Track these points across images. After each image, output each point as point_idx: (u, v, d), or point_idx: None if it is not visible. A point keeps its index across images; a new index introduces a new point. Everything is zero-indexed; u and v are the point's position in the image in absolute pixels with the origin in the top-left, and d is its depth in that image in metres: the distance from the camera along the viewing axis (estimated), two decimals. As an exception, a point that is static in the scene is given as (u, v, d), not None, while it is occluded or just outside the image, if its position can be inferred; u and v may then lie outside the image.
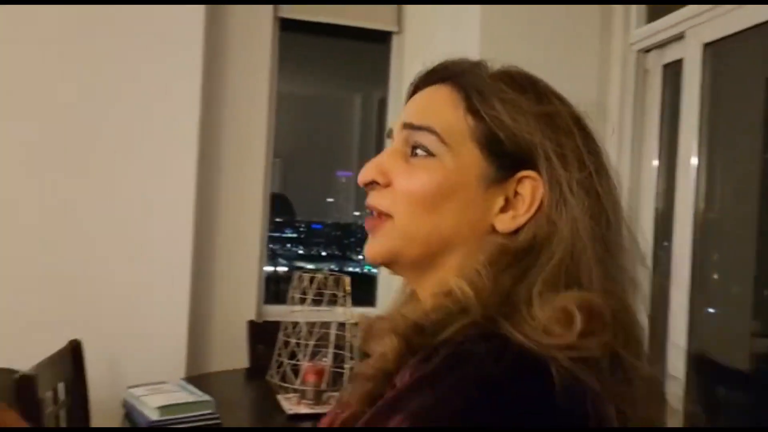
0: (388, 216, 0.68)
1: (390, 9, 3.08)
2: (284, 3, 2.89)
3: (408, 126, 0.69)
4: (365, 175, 0.70)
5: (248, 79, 2.81)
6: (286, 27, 2.96)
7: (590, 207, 0.64)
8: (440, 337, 0.58)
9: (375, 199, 0.69)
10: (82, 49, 2.43)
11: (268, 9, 2.85)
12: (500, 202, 0.66)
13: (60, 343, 2.08)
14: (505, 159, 0.66)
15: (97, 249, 2.45)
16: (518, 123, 0.65)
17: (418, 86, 0.75)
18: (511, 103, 0.66)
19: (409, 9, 3.06)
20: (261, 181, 2.88)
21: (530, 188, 0.65)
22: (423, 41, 2.94)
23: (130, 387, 1.92)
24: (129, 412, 1.88)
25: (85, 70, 2.43)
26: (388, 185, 0.69)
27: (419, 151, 0.68)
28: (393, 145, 0.71)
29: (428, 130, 0.67)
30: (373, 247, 0.69)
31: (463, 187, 0.66)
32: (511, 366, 0.53)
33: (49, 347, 2.02)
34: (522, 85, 0.69)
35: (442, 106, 0.69)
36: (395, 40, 3.13)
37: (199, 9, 2.52)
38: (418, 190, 0.66)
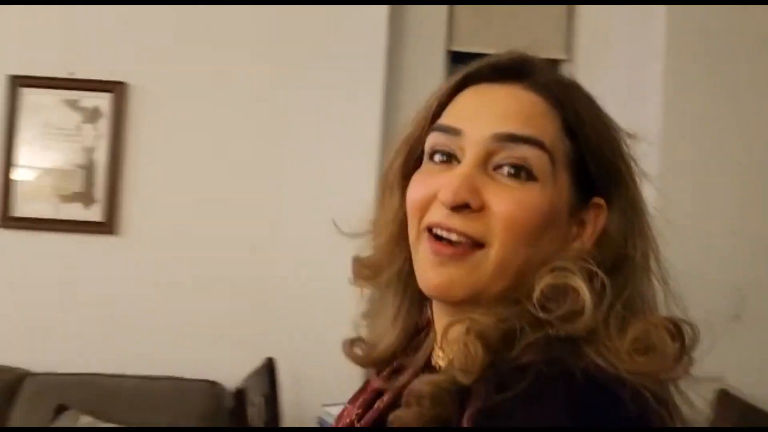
0: (479, 245, 0.59)
1: (558, 37, 3.07)
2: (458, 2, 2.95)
3: (508, 137, 0.59)
4: (460, 195, 0.58)
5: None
6: (456, 60, 3.03)
7: (653, 235, 0.63)
8: (517, 350, 0.53)
9: (466, 225, 0.59)
10: (271, 74, 2.61)
11: (440, 44, 2.94)
12: (574, 230, 0.62)
13: (252, 359, 2.24)
14: (586, 185, 0.62)
15: (287, 276, 2.59)
16: (605, 147, 0.62)
17: (472, 79, 0.65)
18: (599, 123, 0.63)
19: (580, 36, 3.03)
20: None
21: (594, 215, 0.62)
22: (596, 68, 2.89)
23: (325, 405, 2.02)
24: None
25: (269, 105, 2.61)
26: (481, 208, 0.59)
27: (510, 170, 0.59)
28: (473, 156, 0.60)
29: (540, 146, 0.59)
30: (454, 277, 0.59)
31: (557, 217, 0.61)
32: (611, 394, 0.49)
33: (244, 363, 2.19)
34: (594, 99, 0.65)
35: (541, 119, 0.61)
36: (564, 69, 3.11)
37: (380, 46, 2.64)
38: (522, 220, 0.58)
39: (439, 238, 0.60)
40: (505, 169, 0.59)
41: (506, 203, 0.58)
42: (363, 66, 2.63)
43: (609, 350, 0.52)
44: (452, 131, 0.62)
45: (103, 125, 2.45)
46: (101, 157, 2.45)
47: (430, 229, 0.61)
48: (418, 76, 2.91)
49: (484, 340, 0.54)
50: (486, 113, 0.61)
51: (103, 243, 2.47)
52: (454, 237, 0.59)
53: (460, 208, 0.59)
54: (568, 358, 0.51)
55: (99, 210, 2.45)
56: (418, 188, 0.63)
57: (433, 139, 0.64)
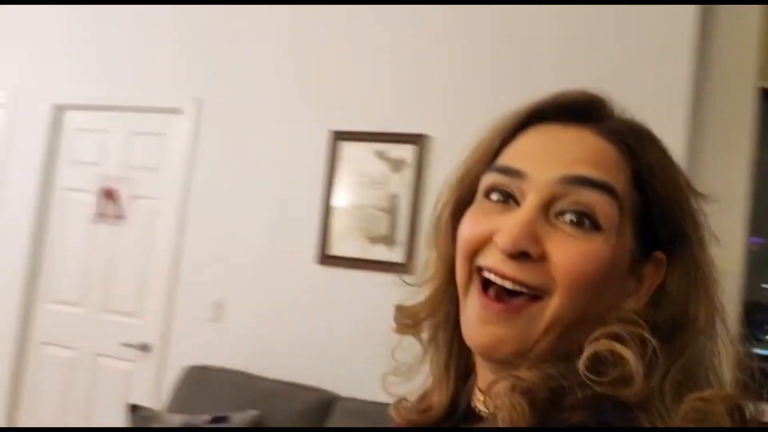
0: (537, 296, 0.56)
1: None
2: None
3: (578, 180, 0.56)
4: (520, 243, 0.55)
5: (727, 153, 2.67)
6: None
7: (719, 297, 0.58)
8: (565, 408, 0.50)
9: (523, 273, 0.55)
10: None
11: (750, 80, 2.69)
12: (632, 284, 0.58)
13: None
14: (648, 240, 0.58)
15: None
16: (674, 204, 0.58)
17: (537, 118, 0.61)
18: (670, 178, 0.59)
19: None
20: (737, 258, 2.67)
21: (653, 270, 0.58)
22: None
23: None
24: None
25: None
26: (541, 257, 0.55)
27: (573, 217, 0.55)
28: (535, 200, 0.56)
29: (611, 192, 0.56)
30: (501, 336, 0.56)
31: (618, 271, 0.57)
32: None
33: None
34: (667, 150, 0.61)
35: (612, 166, 0.57)
36: None
37: (683, 85, 2.50)
38: (584, 273, 0.55)
39: (490, 283, 0.57)
40: (568, 217, 0.56)
41: (569, 255, 0.55)
42: (665, 106, 2.51)
43: (662, 419, 0.50)
44: (515, 173, 0.58)
45: (407, 174, 2.67)
46: (404, 204, 2.67)
47: (480, 271, 0.58)
48: (723, 119, 2.69)
49: (531, 398, 0.51)
50: (552, 156, 0.58)
51: (402, 283, 2.66)
52: (508, 285, 0.56)
53: (518, 256, 0.55)
54: (619, 423, 0.49)
55: (400, 252, 2.66)
56: (471, 226, 0.59)
57: (491, 179, 0.60)
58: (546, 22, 2.60)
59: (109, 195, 3.27)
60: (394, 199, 2.69)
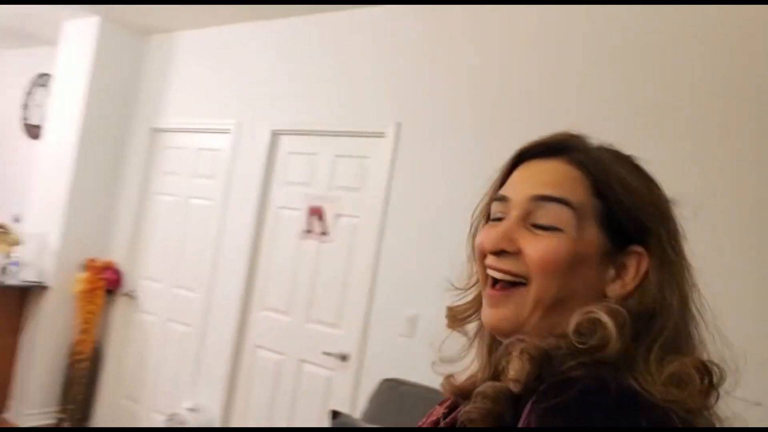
0: (520, 283, 0.73)
1: None
2: None
3: (541, 198, 0.74)
4: (497, 243, 0.75)
5: None
6: None
7: (690, 285, 0.73)
8: (564, 367, 0.63)
9: (506, 265, 0.74)
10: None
11: None
12: (612, 272, 0.73)
13: None
14: (620, 235, 0.73)
15: None
16: (636, 207, 0.73)
17: (522, 158, 0.79)
18: (629, 188, 0.73)
19: None
20: None
21: (636, 261, 0.72)
22: None
23: None
24: None
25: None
26: (516, 253, 0.74)
27: (544, 222, 0.73)
28: (514, 214, 0.75)
29: (566, 203, 0.72)
30: (502, 315, 0.74)
31: (584, 259, 0.72)
32: (645, 416, 0.58)
33: None
34: (632, 167, 0.76)
35: (571, 183, 0.74)
36: None
37: None
38: (551, 259, 0.71)
39: (496, 280, 0.76)
40: (536, 222, 0.74)
41: (536, 248, 0.72)
42: None
43: (646, 381, 0.62)
44: (503, 199, 0.78)
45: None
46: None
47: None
48: None
49: (530, 356, 0.65)
50: (527, 182, 0.77)
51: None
52: (498, 275, 0.75)
53: (500, 253, 0.75)
54: (610, 378, 0.61)
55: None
56: (480, 238, 0.79)
57: (493, 206, 0.80)
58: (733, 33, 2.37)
59: (316, 213, 3.54)
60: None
